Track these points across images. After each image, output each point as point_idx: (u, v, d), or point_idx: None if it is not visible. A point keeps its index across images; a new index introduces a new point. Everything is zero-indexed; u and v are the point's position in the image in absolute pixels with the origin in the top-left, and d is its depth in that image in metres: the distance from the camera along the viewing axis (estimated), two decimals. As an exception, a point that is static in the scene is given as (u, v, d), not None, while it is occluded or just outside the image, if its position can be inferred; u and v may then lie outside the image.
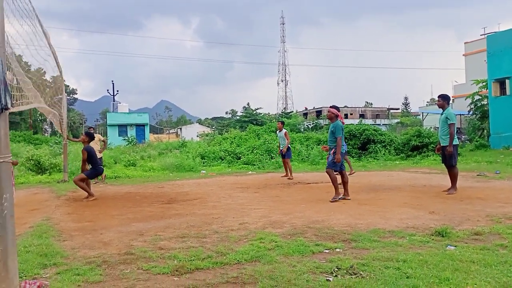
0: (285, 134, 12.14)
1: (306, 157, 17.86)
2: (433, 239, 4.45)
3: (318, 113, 61.79)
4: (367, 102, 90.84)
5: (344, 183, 7.48)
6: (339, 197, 7.33)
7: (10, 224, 3.00)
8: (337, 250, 4.17)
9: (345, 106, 72.82)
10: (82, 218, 6.42)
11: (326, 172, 7.57)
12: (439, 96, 7.99)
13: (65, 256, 4.15)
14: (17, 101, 4.13)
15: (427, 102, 59.46)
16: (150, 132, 47.93)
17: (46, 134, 28.42)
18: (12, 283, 2.96)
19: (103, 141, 12.61)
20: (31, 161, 14.51)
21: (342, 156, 7.43)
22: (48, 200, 8.65)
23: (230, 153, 18.61)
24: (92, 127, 13.47)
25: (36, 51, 5.12)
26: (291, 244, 4.36)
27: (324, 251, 4.15)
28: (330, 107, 7.73)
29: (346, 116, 65.45)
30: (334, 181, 7.38)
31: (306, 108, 70.76)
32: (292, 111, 66.31)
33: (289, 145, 12.21)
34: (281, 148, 12.31)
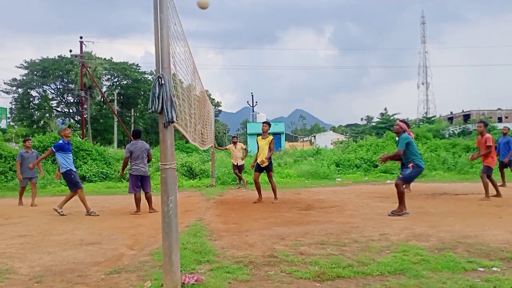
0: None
1: (453, 165, 16.35)
2: None
3: (466, 117, 56.10)
4: (528, 103, 78.95)
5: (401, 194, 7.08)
6: (403, 212, 6.98)
7: (174, 223, 3.43)
8: (494, 269, 3.76)
9: (499, 109, 64.72)
10: (229, 220, 6.96)
11: (396, 184, 7.14)
12: None
13: (216, 254, 4.56)
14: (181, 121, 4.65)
15: None
16: (285, 140, 49.34)
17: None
18: (175, 275, 3.36)
19: (245, 149, 13.48)
20: (184, 167, 16.28)
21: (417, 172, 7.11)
22: (199, 203, 9.60)
23: (366, 161, 18.10)
24: (235, 137, 14.50)
25: (186, 69, 5.79)
26: (439, 259, 4.07)
27: (479, 269, 3.77)
28: (400, 120, 7.70)
29: (500, 120, 57.93)
30: (402, 195, 7.00)
31: (451, 112, 64.86)
32: (435, 116, 61.36)
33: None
34: None
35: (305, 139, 75.78)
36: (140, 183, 8.20)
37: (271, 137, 9.18)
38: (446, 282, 3.42)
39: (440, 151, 18.11)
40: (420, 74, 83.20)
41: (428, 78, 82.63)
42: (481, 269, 3.78)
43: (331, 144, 39.24)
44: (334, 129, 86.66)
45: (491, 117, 47.76)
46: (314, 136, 70.34)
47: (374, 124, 55.40)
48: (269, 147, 9.03)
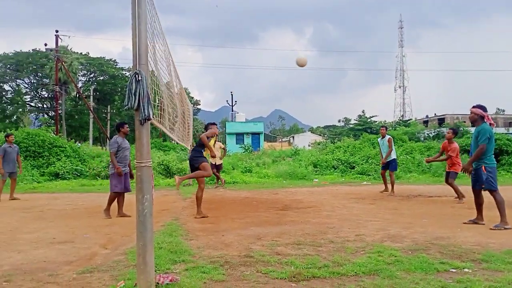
0: (388, 141, 10.72)
1: (428, 168, 16.70)
2: None
3: (441, 120, 57.39)
4: (499, 109, 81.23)
5: (479, 204, 6.15)
6: (481, 222, 6.05)
7: (149, 222, 3.37)
8: (466, 270, 3.84)
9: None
10: (206, 219, 6.91)
11: (493, 195, 5.90)
12: None
13: (192, 254, 4.52)
14: (158, 118, 4.49)
15: None
16: (264, 140, 49.51)
17: (173, 142, 31.23)
18: (149, 275, 3.30)
19: (223, 148, 13.42)
20: (161, 165, 16.09)
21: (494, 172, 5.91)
22: (175, 202, 9.50)
23: (343, 162, 18.30)
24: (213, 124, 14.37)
25: (165, 66, 5.69)
26: (412, 260, 4.13)
27: (451, 270, 3.85)
28: (473, 107, 6.10)
29: (473, 124, 59.43)
30: (501, 203, 5.83)
31: (427, 116, 66.29)
32: (411, 119, 62.68)
33: (394, 156, 10.80)
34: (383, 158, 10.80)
35: (283, 139, 76.13)
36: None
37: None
38: (419, 282, 3.48)
39: (415, 154, 18.46)
40: (397, 78, 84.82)
41: (405, 82, 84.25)
42: (453, 270, 3.85)
43: (309, 145, 39.55)
44: (312, 130, 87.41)
45: (464, 121, 48.99)
46: (293, 137, 70.78)
47: (351, 126, 56.21)
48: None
